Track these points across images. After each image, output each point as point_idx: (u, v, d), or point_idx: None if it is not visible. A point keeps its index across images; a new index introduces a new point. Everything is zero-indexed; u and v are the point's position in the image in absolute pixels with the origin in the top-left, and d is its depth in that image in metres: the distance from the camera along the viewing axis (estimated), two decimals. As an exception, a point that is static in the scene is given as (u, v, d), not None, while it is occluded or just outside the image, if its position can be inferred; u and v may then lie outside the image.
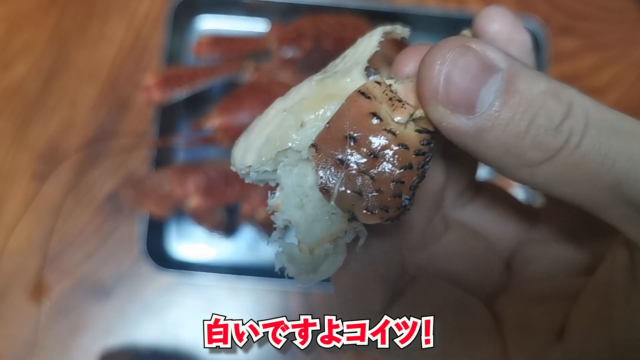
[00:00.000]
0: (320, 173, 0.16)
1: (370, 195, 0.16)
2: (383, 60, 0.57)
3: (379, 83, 0.17)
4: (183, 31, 0.63)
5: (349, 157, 0.16)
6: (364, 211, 0.16)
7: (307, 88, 0.18)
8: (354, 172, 0.16)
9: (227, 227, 0.57)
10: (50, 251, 0.58)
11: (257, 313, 0.57)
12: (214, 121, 0.54)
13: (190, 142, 0.57)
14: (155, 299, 0.58)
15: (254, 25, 0.64)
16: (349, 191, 0.16)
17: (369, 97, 0.17)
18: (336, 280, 0.20)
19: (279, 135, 0.17)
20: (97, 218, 0.59)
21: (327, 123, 0.17)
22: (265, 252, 0.60)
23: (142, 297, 0.58)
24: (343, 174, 0.16)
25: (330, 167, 0.16)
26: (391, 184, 0.16)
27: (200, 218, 0.55)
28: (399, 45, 0.59)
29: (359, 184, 0.16)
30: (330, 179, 0.16)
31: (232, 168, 0.19)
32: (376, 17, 0.60)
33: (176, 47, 0.61)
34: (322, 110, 0.17)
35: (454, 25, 0.64)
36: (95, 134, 0.61)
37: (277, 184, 0.18)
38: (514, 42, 0.19)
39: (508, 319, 0.20)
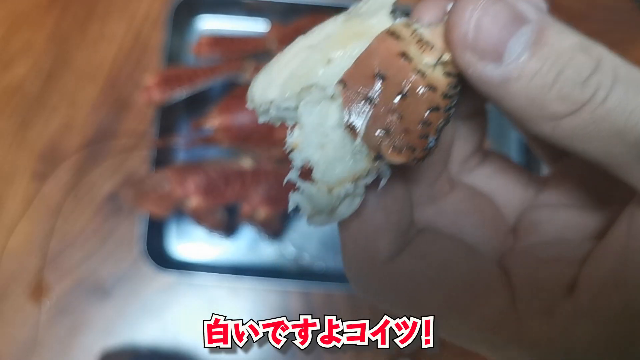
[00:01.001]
0: (348, 109, 0.16)
1: (398, 133, 0.16)
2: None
3: (406, 25, 0.17)
4: (183, 31, 0.63)
5: (378, 94, 0.16)
6: (391, 150, 0.16)
7: (333, 26, 0.18)
8: (382, 110, 0.16)
9: (227, 227, 0.57)
10: (50, 251, 0.58)
11: (257, 313, 0.57)
12: (213, 121, 0.54)
13: (190, 142, 0.57)
14: (155, 299, 0.58)
15: (254, 25, 0.64)
16: (376, 129, 0.16)
17: (398, 38, 0.17)
18: (344, 226, 0.20)
19: (304, 71, 0.17)
20: (97, 218, 0.59)
21: (356, 61, 0.17)
22: (266, 252, 0.60)
23: (142, 297, 0.58)
24: (371, 111, 0.16)
25: (358, 104, 0.16)
26: (419, 124, 0.16)
27: (200, 218, 0.55)
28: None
29: (387, 122, 0.16)
30: (358, 116, 0.16)
31: (248, 105, 0.18)
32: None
33: (176, 47, 0.61)
34: (350, 47, 0.17)
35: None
36: (95, 134, 0.61)
37: (296, 124, 0.18)
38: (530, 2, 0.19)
39: (516, 275, 0.19)
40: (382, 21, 0.17)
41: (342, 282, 0.57)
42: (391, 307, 0.19)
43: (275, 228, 0.58)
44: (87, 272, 0.58)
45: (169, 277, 0.57)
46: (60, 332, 0.56)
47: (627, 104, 0.15)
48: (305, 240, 0.60)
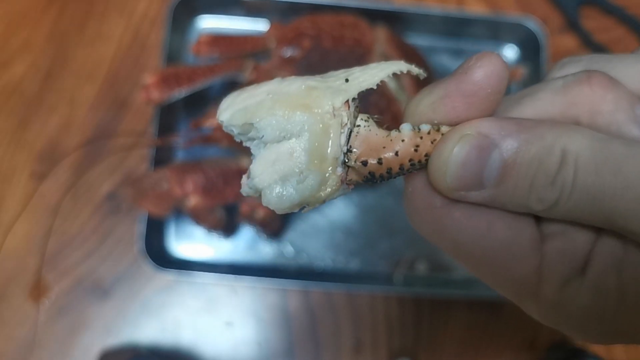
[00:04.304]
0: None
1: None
2: (381, 58, 0.57)
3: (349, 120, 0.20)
4: (182, 30, 0.63)
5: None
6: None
7: (297, 86, 0.20)
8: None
9: (226, 227, 0.57)
10: (48, 251, 0.58)
11: (256, 312, 0.57)
12: (213, 120, 0.53)
13: (190, 141, 0.57)
14: (155, 298, 0.58)
15: (254, 25, 0.64)
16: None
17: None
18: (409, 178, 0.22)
19: (252, 111, 0.20)
20: (96, 217, 0.59)
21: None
22: (264, 251, 0.60)
23: (142, 296, 0.58)
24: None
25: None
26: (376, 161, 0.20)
27: (199, 217, 0.55)
28: (401, 46, 0.59)
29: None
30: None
31: (217, 117, 0.21)
32: (376, 17, 0.60)
33: (175, 46, 0.61)
34: (293, 114, 0.19)
35: (453, 25, 0.64)
36: (94, 133, 0.61)
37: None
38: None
39: (549, 244, 0.19)
40: (336, 106, 0.20)
41: (341, 281, 0.57)
42: (438, 247, 0.21)
43: (274, 228, 0.58)
44: (86, 271, 0.58)
45: (168, 277, 0.57)
46: (60, 332, 0.56)
47: (589, 192, 0.17)
48: (304, 240, 0.60)
